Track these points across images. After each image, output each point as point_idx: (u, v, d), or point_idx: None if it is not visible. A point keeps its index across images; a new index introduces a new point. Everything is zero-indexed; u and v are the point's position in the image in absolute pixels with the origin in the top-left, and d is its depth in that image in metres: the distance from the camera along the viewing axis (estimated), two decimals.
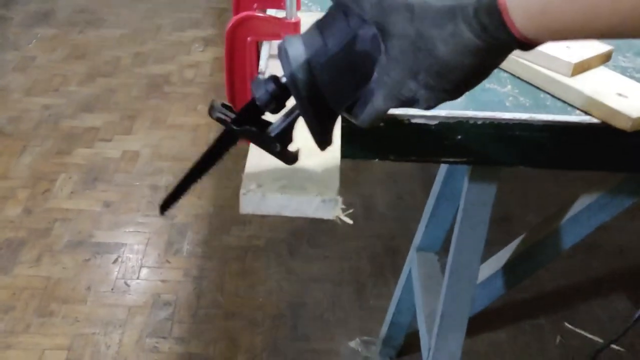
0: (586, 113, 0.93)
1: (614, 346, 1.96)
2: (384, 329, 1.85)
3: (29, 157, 2.69)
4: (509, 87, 0.99)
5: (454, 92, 0.63)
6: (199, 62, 3.53)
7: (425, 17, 0.59)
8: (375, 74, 0.65)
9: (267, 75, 0.70)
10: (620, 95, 0.92)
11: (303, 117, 0.68)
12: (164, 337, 1.92)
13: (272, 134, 0.71)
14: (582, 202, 1.28)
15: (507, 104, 0.95)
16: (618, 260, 2.31)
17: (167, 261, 2.20)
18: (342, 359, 1.90)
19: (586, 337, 2.00)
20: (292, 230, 2.36)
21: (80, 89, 3.22)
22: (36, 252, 2.20)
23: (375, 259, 2.27)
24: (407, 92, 0.63)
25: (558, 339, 1.99)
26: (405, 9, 0.61)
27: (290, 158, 0.73)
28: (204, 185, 2.56)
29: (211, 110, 0.74)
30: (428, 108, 0.65)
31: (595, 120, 0.91)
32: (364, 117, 0.67)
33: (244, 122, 0.72)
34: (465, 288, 1.19)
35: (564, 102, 0.95)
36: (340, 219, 0.71)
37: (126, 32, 3.85)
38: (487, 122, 0.92)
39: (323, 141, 0.70)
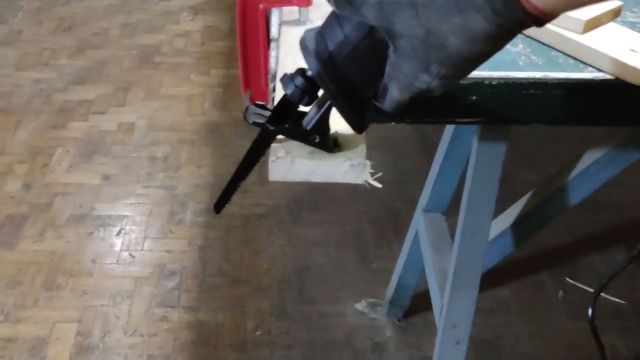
0: (599, 70, 0.94)
1: (614, 299, 2.00)
2: (390, 290, 1.88)
3: (24, 132, 2.67)
4: (521, 46, 0.99)
5: (464, 75, 0.64)
6: (189, 31, 3.50)
7: (431, 13, 0.59)
8: (388, 69, 0.65)
9: (293, 70, 0.71)
10: (632, 50, 0.93)
11: (336, 108, 0.68)
12: (172, 307, 1.94)
13: (309, 127, 0.72)
14: (590, 157, 1.29)
15: (520, 63, 0.95)
16: (617, 215, 2.34)
17: (171, 231, 2.21)
18: (349, 320, 1.93)
19: (588, 291, 2.03)
20: (292, 197, 2.37)
21: (71, 62, 3.19)
22: (39, 227, 2.20)
23: (376, 222, 2.29)
24: (421, 84, 0.64)
25: (560, 293, 2.03)
26: (409, 8, 0.60)
27: (330, 146, 0.74)
28: (203, 154, 2.56)
29: (246, 114, 0.74)
30: (443, 92, 0.66)
31: (608, 76, 0.92)
32: (387, 106, 0.68)
33: (279, 119, 0.73)
34: (478, 244, 1.21)
35: (576, 59, 0.96)
36: (369, 183, 0.72)
37: (112, 2, 3.81)
38: (502, 82, 0.92)
39: (358, 125, 0.70)
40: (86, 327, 1.87)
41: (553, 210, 1.38)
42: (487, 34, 0.58)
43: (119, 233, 2.20)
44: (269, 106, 0.88)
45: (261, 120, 0.75)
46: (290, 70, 0.79)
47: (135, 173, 2.46)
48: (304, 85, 0.71)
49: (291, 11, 1.01)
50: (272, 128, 0.74)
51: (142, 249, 2.14)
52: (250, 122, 0.74)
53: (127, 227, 2.22)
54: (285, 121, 0.74)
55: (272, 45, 0.96)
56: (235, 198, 2.53)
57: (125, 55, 3.27)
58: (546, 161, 2.54)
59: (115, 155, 2.56)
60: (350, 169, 0.72)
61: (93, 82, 3.03)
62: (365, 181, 0.72)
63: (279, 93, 0.86)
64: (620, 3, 1.01)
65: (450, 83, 0.65)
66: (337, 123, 0.73)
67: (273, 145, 0.76)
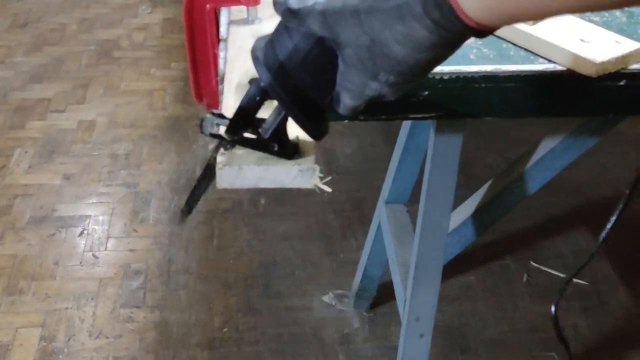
0: (550, 61, 0.94)
1: (577, 280, 2.02)
2: (356, 282, 1.88)
3: None
4: (472, 39, 0.99)
5: (416, 80, 0.64)
6: (148, 24, 3.45)
7: (374, 21, 0.58)
8: (338, 78, 0.65)
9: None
10: (582, 40, 0.93)
11: (291, 117, 0.68)
12: (137, 307, 1.92)
13: (267, 136, 0.71)
14: (546, 145, 1.30)
15: (472, 56, 0.95)
16: (576, 196, 2.36)
17: (134, 230, 2.18)
18: (316, 314, 1.92)
19: (551, 273, 2.05)
20: (257, 190, 2.36)
21: (27, 60, 3.14)
22: None
23: (342, 213, 2.28)
24: (371, 91, 0.64)
25: (525, 277, 2.04)
26: (351, 16, 0.60)
27: (290, 153, 0.73)
28: (165, 150, 2.53)
29: (202, 125, 0.73)
30: (395, 97, 0.65)
31: (559, 68, 0.92)
32: (342, 110, 0.68)
33: (237, 128, 0.72)
34: (438, 237, 1.21)
35: (528, 50, 0.96)
36: (318, 187, 0.71)
37: None
38: (454, 76, 0.92)
39: (318, 133, 0.70)
40: (50, 331, 1.84)
41: (512, 199, 1.38)
42: (430, 42, 0.57)
43: (81, 234, 2.17)
44: (220, 109, 0.87)
45: (218, 131, 0.73)
46: (238, 71, 0.78)
47: (96, 172, 2.43)
48: (259, 95, 0.70)
49: (240, 10, 0.99)
50: (229, 138, 0.73)
51: (105, 249, 2.11)
52: (207, 133, 0.73)
53: (90, 228, 2.19)
54: (243, 130, 0.73)
55: (221, 45, 0.95)
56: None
57: (84, 51, 3.22)
58: (507, 145, 2.56)
59: (75, 154, 2.52)
60: (299, 174, 0.71)
61: (51, 80, 2.98)
62: (315, 185, 0.71)
63: (228, 96, 0.85)
64: None
65: (402, 88, 0.64)
66: (297, 129, 0.72)
67: (219, 152, 0.75)
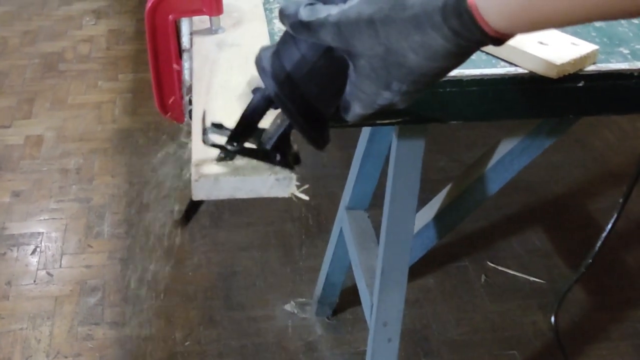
0: (511, 64, 0.95)
1: (533, 278, 2.07)
2: (318, 289, 1.88)
3: None
4: None
5: (427, 89, 0.64)
6: (93, 36, 3.40)
7: (390, 31, 0.58)
8: (348, 88, 0.65)
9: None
10: (541, 43, 0.95)
11: (295, 127, 0.67)
12: (96, 324, 1.88)
13: (269, 146, 0.71)
14: (504, 148, 1.32)
15: None
16: (529, 196, 2.41)
17: (89, 245, 2.14)
18: (279, 323, 1.91)
19: (509, 273, 2.09)
20: (212, 201, 2.33)
21: None
22: None
23: (299, 220, 2.28)
24: (383, 100, 0.64)
25: (483, 278, 2.07)
26: (367, 27, 0.59)
27: (292, 163, 0.72)
28: (117, 163, 2.49)
29: (204, 136, 0.72)
30: (405, 105, 0.65)
31: (521, 70, 0.94)
32: (350, 118, 0.68)
33: (239, 138, 0.71)
34: (403, 241, 1.22)
35: (489, 54, 0.97)
36: (295, 196, 0.71)
37: (8, 9, 3.65)
38: None
39: (320, 143, 0.69)
40: (5, 354, 1.79)
41: (472, 201, 1.40)
42: (446, 51, 0.57)
43: (34, 251, 2.12)
44: (185, 119, 0.86)
45: (221, 142, 0.72)
46: (206, 81, 0.77)
47: (47, 188, 2.38)
48: (262, 105, 0.70)
49: (202, 20, 0.99)
50: (231, 149, 0.72)
51: (60, 266, 2.07)
52: (209, 143, 0.72)
53: (43, 245, 2.14)
54: (244, 140, 0.72)
55: (185, 56, 0.94)
56: (155, 206, 2.46)
57: (27, 64, 3.15)
58: (458, 148, 2.59)
59: (24, 170, 2.46)
60: (275, 183, 0.70)
61: None
62: (292, 194, 0.71)
63: (197, 106, 0.84)
64: None
65: (413, 97, 0.65)
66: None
67: (193, 163, 0.74)
